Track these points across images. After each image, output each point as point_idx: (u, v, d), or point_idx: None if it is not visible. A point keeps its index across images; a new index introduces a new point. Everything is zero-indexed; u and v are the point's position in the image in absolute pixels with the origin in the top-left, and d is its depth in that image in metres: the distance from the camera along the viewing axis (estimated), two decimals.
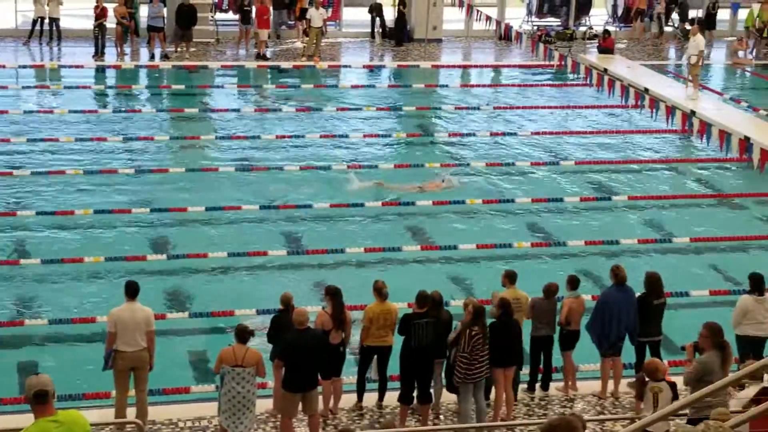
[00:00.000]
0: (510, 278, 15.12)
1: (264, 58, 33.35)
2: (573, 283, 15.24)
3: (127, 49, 33.47)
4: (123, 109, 28.37)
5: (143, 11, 34.32)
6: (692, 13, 39.38)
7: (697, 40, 29.75)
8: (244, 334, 13.34)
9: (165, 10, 33.94)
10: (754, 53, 36.59)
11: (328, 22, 36.36)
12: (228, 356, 13.23)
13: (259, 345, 14.24)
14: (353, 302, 15.69)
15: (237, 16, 35.05)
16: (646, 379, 12.91)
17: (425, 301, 14.25)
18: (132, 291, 13.92)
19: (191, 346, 16.57)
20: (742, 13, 38.76)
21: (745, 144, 22.10)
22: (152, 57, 33.00)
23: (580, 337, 15.21)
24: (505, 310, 14.39)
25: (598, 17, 40.84)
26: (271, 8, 34.85)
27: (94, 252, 19.33)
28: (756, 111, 29.61)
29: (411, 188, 23.12)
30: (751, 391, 12.86)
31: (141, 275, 17.92)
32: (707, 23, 38.19)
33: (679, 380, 13.05)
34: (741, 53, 35.76)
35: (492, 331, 14.20)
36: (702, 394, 10.05)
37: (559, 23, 39.12)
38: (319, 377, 13.93)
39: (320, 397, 14.16)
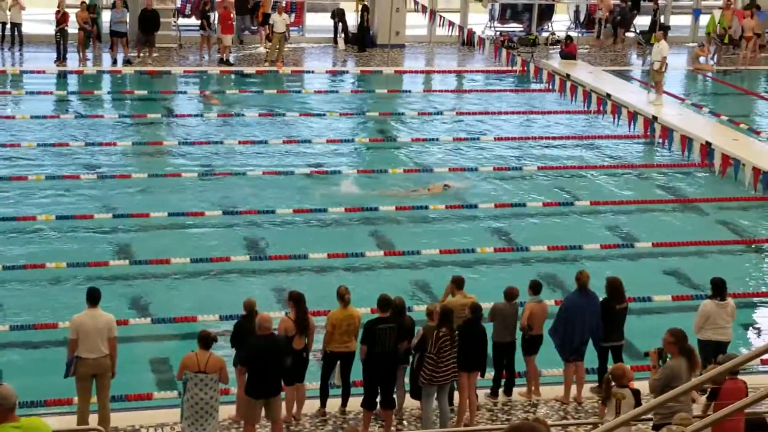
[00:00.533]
0: (457, 284, 15.12)
1: (227, 63, 33.27)
2: (535, 288, 15.28)
3: (90, 55, 33.30)
4: (85, 114, 28.22)
5: (105, 16, 34.15)
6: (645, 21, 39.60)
7: (661, 46, 29.94)
8: (206, 340, 13.30)
9: (128, 15, 33.78)
10: (715, 59, 36.83)
11: (291, 28, 36.31)
12: (191, 362, 13.19)
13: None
14: (316, 308, 15.68)
15: (199, 22, 34.89)
16: (612, 383, 12.94)
17: (388, 306, 14.26)
18: (94, 297, 13.85)
19: (154, 352, 16.50)
20: (704, 19, 38.96)
21: (707, 149, 22.26)
22: (115, 62, 32.85)
23: (542, 342, 15.25)
24: (473, 315, 14.44)
25: (561, 23, 41.01)
26: (233, 14, 34.75)
27: (57, 258, 19.21)
28: (717, 117, 29.81)
29: (414, 193, 23.21)
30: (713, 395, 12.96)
31: (103, 281, 17.85)
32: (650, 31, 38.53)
33: (642, 385, 13.11)
34: (702, 59, 35.99)
35: (459, 334, 14.25)
36: (663, 399, 10.09)
37: (522, 29, 39.25)
38: (282, 383, 13.91)
39: (283, 403, 14.14)
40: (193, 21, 37.08)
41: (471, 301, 14.83)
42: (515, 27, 39.48)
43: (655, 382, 12.85)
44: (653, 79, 30.42)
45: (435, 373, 13.94)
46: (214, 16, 34.76)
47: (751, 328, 18.13)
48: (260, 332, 13.49)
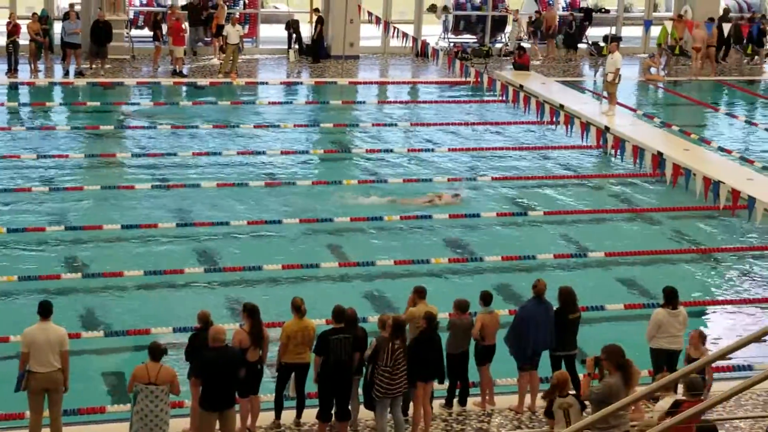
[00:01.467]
0: (419, 294, 15.15)
1: (180, 74, 33.17)
2: (486, 299, 15.33)
3: (41, 66, 33.10)
4: (37, 126, 28.03)
5: (56, 27, 33.96)
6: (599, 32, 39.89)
7: (615, 58, 30.10)
8: (157, 352, 13.28)
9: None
10: (666, 70, 37.13)
11: (244, 39, 36.26)
12: (141, 374, 13.16)
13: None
14: (271, 319, 15.66)
15: (152, 33, 34.76)
16: (555, 395, 12.92)
17: (342, 317, 14.27)
18: (45, 310, 13.77)
19: (107, 365, 16.40)
20: (655, 30, 39.25)
21: (658, 159, 22.44)
22: (67, 74, 32.67)
23: (495, 352, 15.30)
24: (429, 324, 14.48)
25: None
26: (186, 25, 34.65)
27: (8, 271, 19.07)
28: (668, 127, 30.04)
29: (423, 202, 23.30)
30: (665, 403, 13.06)
31: (55, 294, 17.73)
32: (568, 42, 38.82)
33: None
34: (653, 70, 36.27)
35: (416, 344, 14.29)
36: (613, 409, 10.15)
37: (475, 40, 39.39)
38: (237, 395, 13.87)
39: (238, 416, 14.09)
40: (146, 32, 36.99)
41: (431, 310, 14.88)
42: (469, 38, 39.63)
43: (591, 393, 12.96)
44: (607, 90, 30.60)
45: (390, 386, 13.95)
46: (165, 27, 34.69)
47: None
48: (213, 344, 13.45)
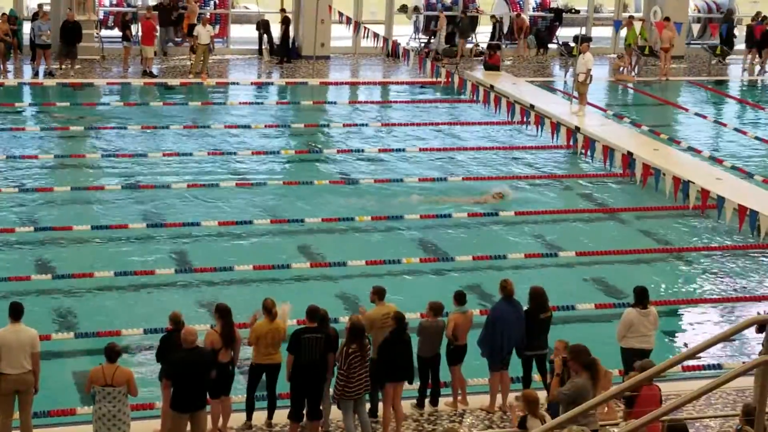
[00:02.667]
0: (379, 294, 15.14)
1: (151, 75, 33.07)
2: (460, 298, 15.35)
3: (11, 66, 32.92)
4: (6, 126, 27.87)
5: (26, 27, 33.81)
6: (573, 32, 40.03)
7: (586, 58, 30.20)
8: (112, 353, 13.26)
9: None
10: (636, 70, 37.29)
11: (215, 39, 36.19)
12: (97, 375, 13.18)
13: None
14: (243, 321, 15.62)
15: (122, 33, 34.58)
16: (526, 415, 12.87)
17: (316, 316, 14.27)
18: (16, 312, 13.71)
19: (77, 367, 16.31)
20: (625, 31, 39.40)
21: (628, 159, 22.55)
22: (36, 74, 32.53)
23: (467, 352, 15.33)
24: (399, 325, 14.49)
25: (485, 35, 41.27)
26: (157, 25, 34.53)
27: None
28: (638, 127, 30.18)
29: (467, 201, 23.49)
30: None
31: (25, 296, 17.64)
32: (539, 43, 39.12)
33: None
34: (623, 70, 36.43)
35: (385, 345, 14.29)
36: (582, 409, 10.19)
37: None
38: (208, 396, 13.84)
39: (209, 417, 14.07)
40: (116, 33, 36.84)
41: (392, 310, 14.89)
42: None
43: (560, 394, 13.03)
44: (577, 90, 30.69)
45: (346, 388, 13.96)
46: (137, 28, 34.58)
47: (672, 336, 18.35)
48: (185, 345, 13.43)
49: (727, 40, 39.51)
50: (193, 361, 13.38)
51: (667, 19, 37.35)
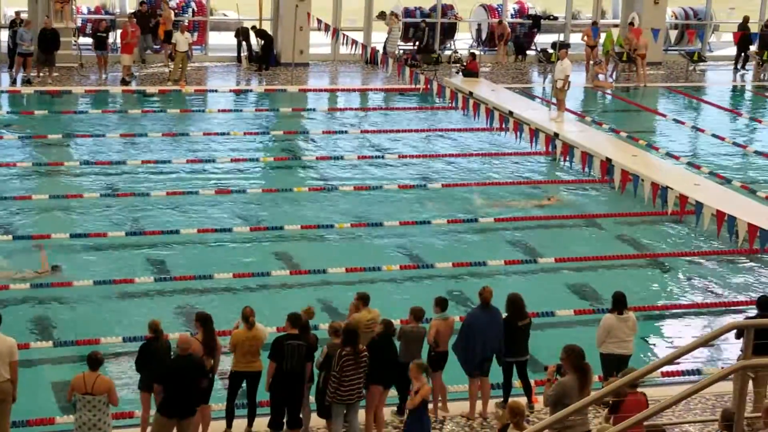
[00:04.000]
0: (363, 300, 15.16)
1: (127, 82, 32.99)
2: (442, 304, 15.35)
3: None
4: None
5: (3, 35, 33.72)
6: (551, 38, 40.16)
7: (564, 65, 30.25)
8: (94, 361, 13.25)
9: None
10: (614, 76, 37.42)
11: (194, 47, 36.14)
12: (78, 384, 13.18)
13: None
14: (223, 328, 15.61)
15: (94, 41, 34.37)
16: (508, 423, 12.89)
17: (298, 322, 14.26)
18: None
19: (56, 376, 16.26)
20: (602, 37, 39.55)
21: (607, 165, 22.64)
22: (14, 82, 32.42)
23: (448, 359, 15.34)
24: (387, 330, 14.50)
25: (463, 41, 41.37)
26: (137, 32, 34.37)
27: None
28: (617, 133, 30.27)
29: (526, 204, 23.91)
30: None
31: (4, 304, 17.56)
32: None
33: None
34: (601, 76, 36.55)
35: (373, 349, 14.27)
36: (561, 415, 10.22)
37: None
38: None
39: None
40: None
41: (376, 315, 14.89)
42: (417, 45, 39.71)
43: (547, 396, 13.09)
44: (556, 97, 30.75)
45: (339, 391, 13.95)
46: (115, 36, 34.49)
47: (651, 341, 18.41)
48: (179, 352, 13.48)
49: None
50: (186, 368, 13.40)
51: (631, 24, 37.66)
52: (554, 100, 31.12)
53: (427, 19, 39.08)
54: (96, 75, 33.91)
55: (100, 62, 33.52)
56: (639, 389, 13.42)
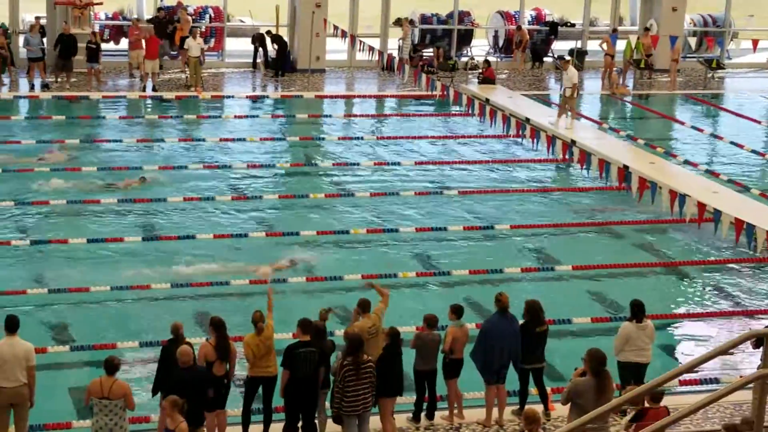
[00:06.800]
0: (362, 307, 15.12)
1: (145, 89, 33.06)
2: (457, 311, 15.31)
3: (6, 80, 32.91)
4: (2, 140, 27.80)
5: (21, 41, 33.85)
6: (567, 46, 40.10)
7: (570, 73, 30.16)
8: (110, 366, 13.24)
9: (45, 40, 33.52)
10: (631, 84, 37.34)
11: (211, 53, 36.20)
12: (95, 388, 13.20)
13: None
14: (238, 333, 15.60)
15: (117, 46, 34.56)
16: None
17: (308, 329, 14.23)
18: (12, 325, 13.68)
19: (73, 380, 16.28)
20: (621, 44, 39.49)
21: (624, 173, 22.56)
22: (32, 87, 32.52)
23: (463, 365, 15.30)
24: (393, 341, 14.45)
25: (480, 48, 41.36)
26: (143, 36, 34.35)
27: None
28: (635, 140, 30.20)
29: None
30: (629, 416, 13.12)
31: (21, 309, 17.59)
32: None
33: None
34: (620, 83, 36.49)
35: (380, 361, 14.22)
36: (582, 421, 10.16)
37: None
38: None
39: (204, 430, 14.03)
40: (112, 46, 36.94)
41: (375, 320, 14.91)
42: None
43: (563, 394, 13.25)
44: (567, 105, 30.52)
45: (343, 402, 13.90)
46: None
47: (669, 350, 18.33)
48: (181, 365, 13.44)
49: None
50: (190, 380, 13.39)
51: (647, 29, 37.66)
52: (567, 108, 30.90)
53: (444, 26, 39.07)
54: (113, 80, 33.99)
55: (90, 75, 33.33)
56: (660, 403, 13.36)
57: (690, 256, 22.33)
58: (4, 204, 23.06)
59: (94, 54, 33.10)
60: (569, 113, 30.35)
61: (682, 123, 33.24)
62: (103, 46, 35.64)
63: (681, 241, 23.18)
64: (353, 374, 13.83)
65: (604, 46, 37.27)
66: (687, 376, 16.35)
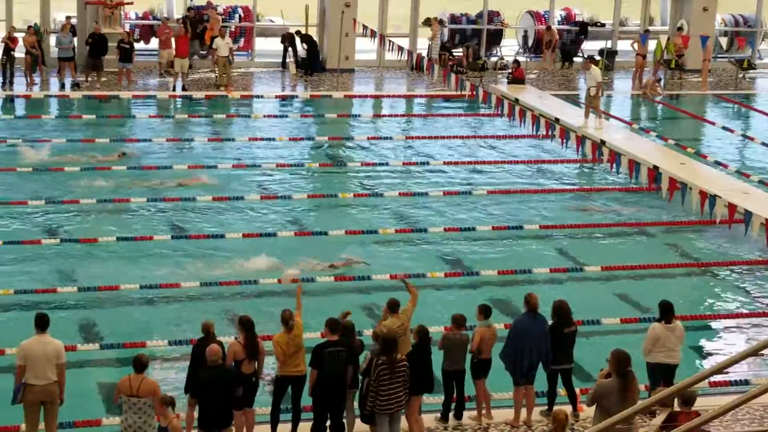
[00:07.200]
0: (391, 308, 15.10)
1: (166, 76, 33.16)
2: (485, 312, 15.28)
3: (37, 79, 33.10)
4: (33, 138, 27.96)
5: (52, 40, 34.03)
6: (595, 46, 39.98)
7: (593, 73, 30.01)
8: (139, 364, 13.29)
9: (75, 39, 33.69)
10: (662, 84, 37.20)
11: (240, 52, 36.29)
12: (124, 386, 13.25)
13: None
14: (266, 332, 15.63)
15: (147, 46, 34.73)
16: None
17: (336, 329, 14.24)
18: (42, 323, 13.74)
19: (102, 378, 16.34)
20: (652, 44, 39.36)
21: (654, 173, 22.47)
22: (62, 86, 32.70)
23: (491, 366, 15.27)
24: (422, 339, 14.45)
25: (509, 48, 41.30)
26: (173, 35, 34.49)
27: (4, 284, 19.02)
28: (665, 141, 30.07)
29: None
30: (659, 419, 13.05)
31: (52, 307, 17.68)
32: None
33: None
34: (650, 83, 36.37)
35: (409, 359, 14.21)
36: (610, 423, 10.12)
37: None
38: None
39: (233, 428, 14.06)
40: (142, 45, 37.08)
41: (403, 320, 14.91)
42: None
43: (588, 396, 13.27)
44: (591, 105, 30.29)
45: (377, 401, 13.90)
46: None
47: (699, 351, 18.24)
48: (209, 364, 13.47)
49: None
50: (218, 380, 13.42)
51: (680, 29, 37.53)
52: (592, 108, 30.70)
53: (473, 26, 39.04)
54: (143, 79, 34.14)
55: (121, 74, 33.48)
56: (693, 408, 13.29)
57: (720, 257, 22.21)
58: (35, 203, 23.16)
59: (126, 54, 33.24)
60: (595, 113, 30.19)
61: (713, 123, 33.08)
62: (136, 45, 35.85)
63: (711, 242, 23.06)
64: (387, 373, 13.83)
65: (635, 45, 37.14)
66: (717, 378, 16.26)
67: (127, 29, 35.70)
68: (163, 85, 33.88)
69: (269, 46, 39.05)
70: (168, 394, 13.22)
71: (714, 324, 19.43)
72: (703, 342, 18.70)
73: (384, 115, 32.75)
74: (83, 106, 31.42)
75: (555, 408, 13.94)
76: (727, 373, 16.33)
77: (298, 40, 36.75)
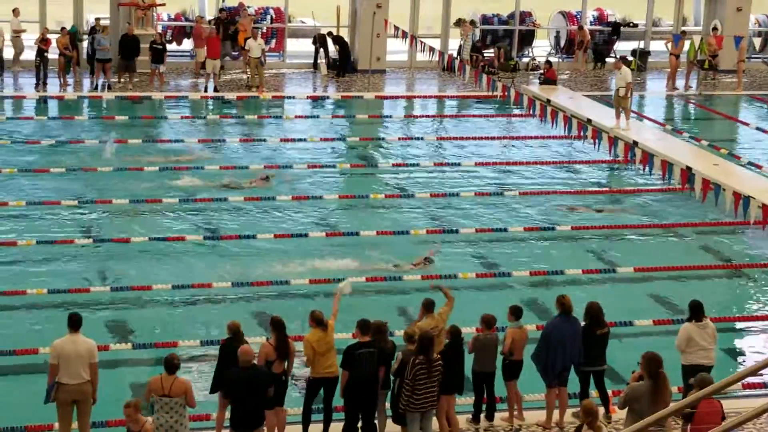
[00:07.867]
0: (426, 307, 15.08)
1: (210, 90, 33.25)
2: (516, 313, 15.23)
3: (70, 80, 33.26)
4: (66, 139, 28.10)
5: (86, 42, 34.22)
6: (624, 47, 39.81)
7: (623, 73, 29.81)
8: (170, 364, 13.31)
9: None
10: (695, 85, 37.02)
11: (271, 53, 36.34)
12: (156, 386, 13.26)
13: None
14: (297, 333, 15.63)
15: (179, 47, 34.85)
16: (582, 424, 12.78)
17: (368, 329, 14.23)
18: (75, 322, 13.80)
19: (135, 377, 16.39)
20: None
21: (687, 174, 22.34)
22: (96, 88, 32.84)
23: (523, 367, 15.22)
24: (455, 339, 14.43)
25: (541, 48, 41.19)
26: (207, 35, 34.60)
27: (37, 284, 19.12)
28: (698, 141, 29.91)
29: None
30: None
31: (84, 307, 17.75)
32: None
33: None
34: (680, 82, 36.24)
35: (442, 358, 14.20)
36: (642, 425, 10.08)
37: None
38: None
39: (264, 428, 14.07)
40: (174, 47, 37.21)
41: (438, 322, 14.88)
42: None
43: (620, 398, 13.22)
44: (621, 105, 30.10)
45: (412, 399, 13.90)
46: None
47: (733, 352, 18.12)
48: (241, 364, 13.49)
49: None
50: (250, 380, 13.44)
51: (715, 29, 37.29)
52: (621, 108, 30.51)
53: (505, 26, 38.96)
54: (176, 81, 34.26)
55: (153, 75, 33.57)
56: (719, 398, 13.21)
57: (754, 258, 22.08)
58: (67, 203, 23.26)
59: (159, 55, 33.35)
60: (623, 113, 30.03)
61: (747, 124, 32.88)
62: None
63: (745, 243, 22.91)
64: (425, 372, 13.83)
65: (669, 45, 36.94)
66: (751, 379, 16.14)
67: (160, 30, 35.84)
68: (195, 85, 33.96)
69: (301, 47, 39.11)
70: (139, 399, 13.17)
71: (748, 326, 19.30)
72: (736, 343, 18.58)
73: (415, 116, 32.72)
74: (116, 107, 31.54)
75: (585, 399, 13.90)
76: (761, 375, 16.22)
77: (329, 41, 36.80)
